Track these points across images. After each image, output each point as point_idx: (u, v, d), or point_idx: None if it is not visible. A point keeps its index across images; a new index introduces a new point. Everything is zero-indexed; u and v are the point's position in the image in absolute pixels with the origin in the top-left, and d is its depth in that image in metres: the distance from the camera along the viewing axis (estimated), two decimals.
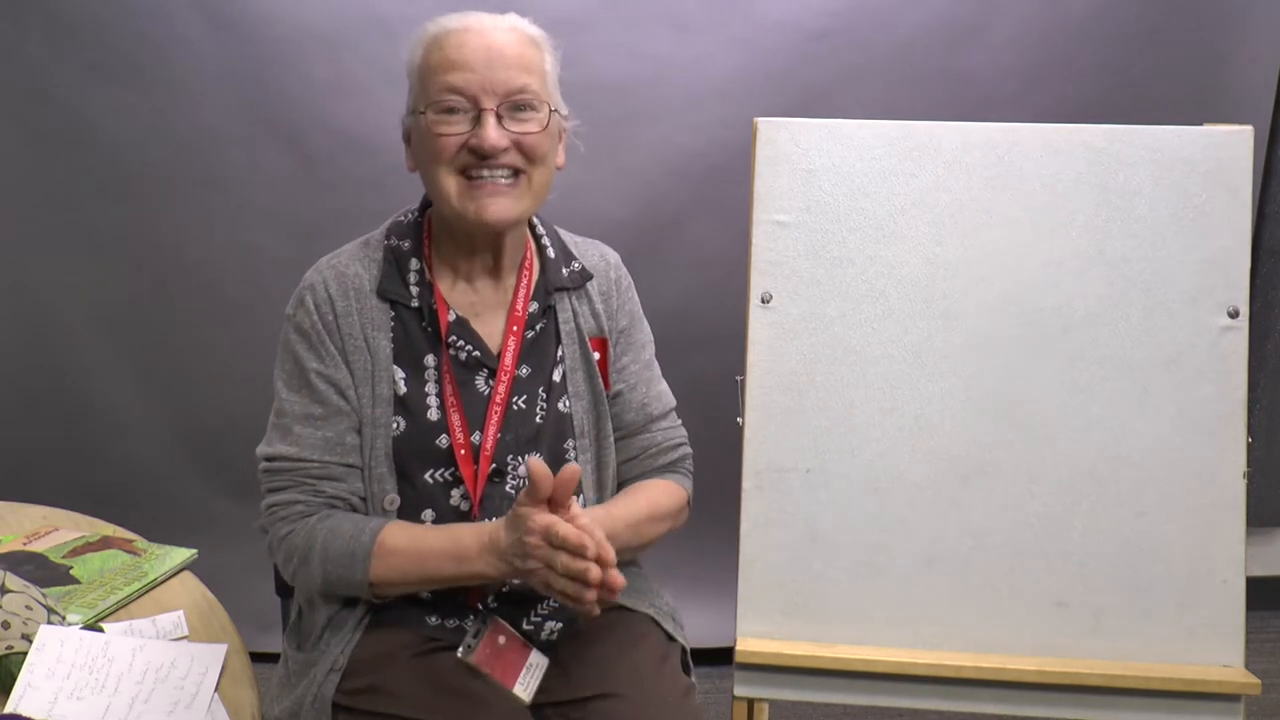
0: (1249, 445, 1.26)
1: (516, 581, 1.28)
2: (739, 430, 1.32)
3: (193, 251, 2.25)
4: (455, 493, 1.28)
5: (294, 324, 1.29)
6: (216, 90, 2.16)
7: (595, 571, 1.10)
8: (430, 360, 1.28)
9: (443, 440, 1.27)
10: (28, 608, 1.18)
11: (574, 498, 1.16)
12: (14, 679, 1.12)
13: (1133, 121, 1.29)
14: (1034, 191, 1.29)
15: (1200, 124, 1.28)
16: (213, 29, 2.13)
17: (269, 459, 1.28)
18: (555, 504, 1.14)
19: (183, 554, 1.45)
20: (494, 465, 1.28)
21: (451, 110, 1.21)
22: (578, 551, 1.10)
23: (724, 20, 2.18)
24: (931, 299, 1.30)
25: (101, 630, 1.23)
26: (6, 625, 1.15)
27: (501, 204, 1.23)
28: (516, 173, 1.24)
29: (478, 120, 1.21)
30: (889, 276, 1.30)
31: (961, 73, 2.21)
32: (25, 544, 1.44)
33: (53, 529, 1.50)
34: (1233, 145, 1.27)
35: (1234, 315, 1.27)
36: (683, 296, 2.27)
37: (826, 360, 1.30)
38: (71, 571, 1.37)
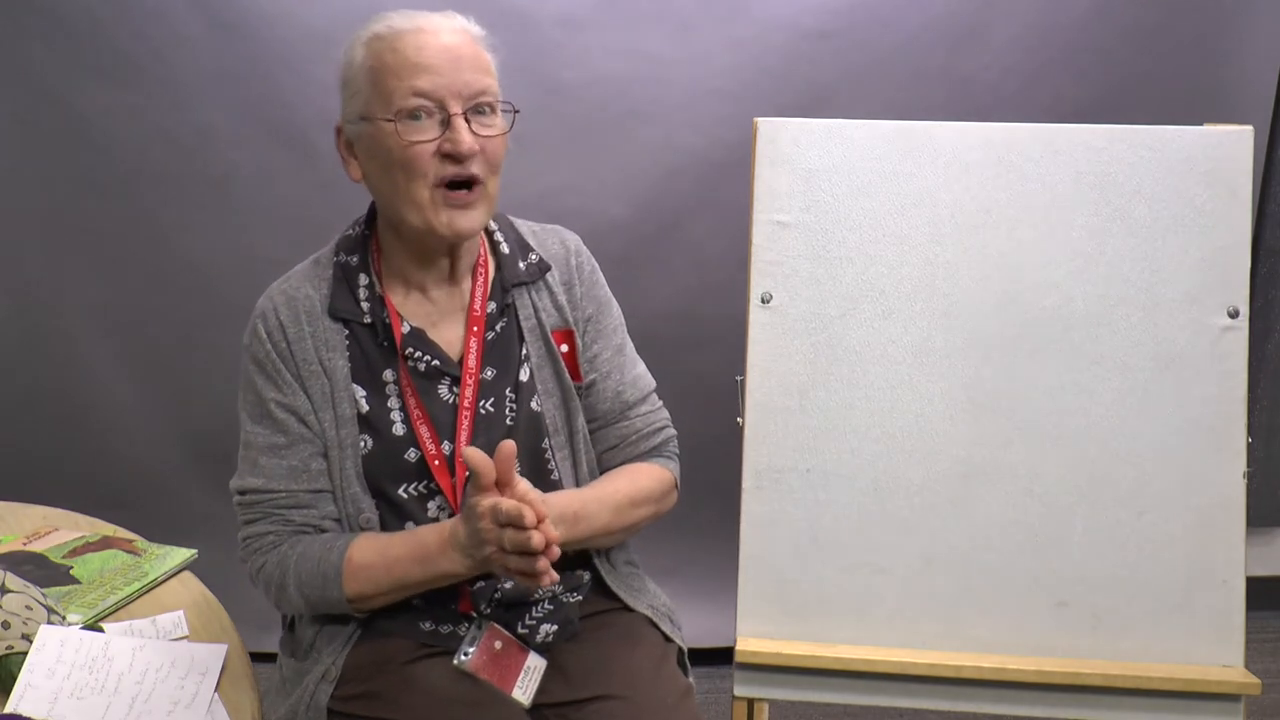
0: (1249, 445, 1.26)
1: (509, 585, 1.28)
2: (739, 430, 1.32)
3: (193, 251, 2.25)
4: (432, 505, 1.27)
5: (250, 355, 1.28)
6: (216, 90, 2.16)
7: (537, 538, 1.09)
8: (389, 375, 1.27)
9: (411, 454, 1.26)
10: (28, 608, 1.18)
11: (520, 476, 1.16)
12: (14, 679, 1.12)
13: (1133, 121, 1.29)
14: (1034, 191, 1.29)
15: (1200, 124, 1.28)
16: (213, 29, 2.13)
17: (240, 492, 1.28)
18: (502, 485, 1.14)
19: (183, 554, 1.45)
20: (468, 474, 1.27)
21: (418, 116, 1.18)
22: (516, 522, 1.09)
23: (724, 19, 2.18)
24: (931, 299, 1.30)
25: (101, 630, 1.23)
26: (6, 625, 1.15)
27: (472, 216, 1.22)
28: (474, 183, 1.21)
29: (446, 124, 1.18)
30: (889, 276, 1.30)
31: (962, 73, 2.21)
32: (25, 544, 1.44)
33: (53, 529, 1.50)
34: (1233, 145, 1.27)
35: (1234, 315, 1.27)
36: (683, 296, 2.27)
37: (826, 360, 1.30)
38: (71, 571, 1.37)
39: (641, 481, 1.35)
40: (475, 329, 1.28)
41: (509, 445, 1.13)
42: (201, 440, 2.35)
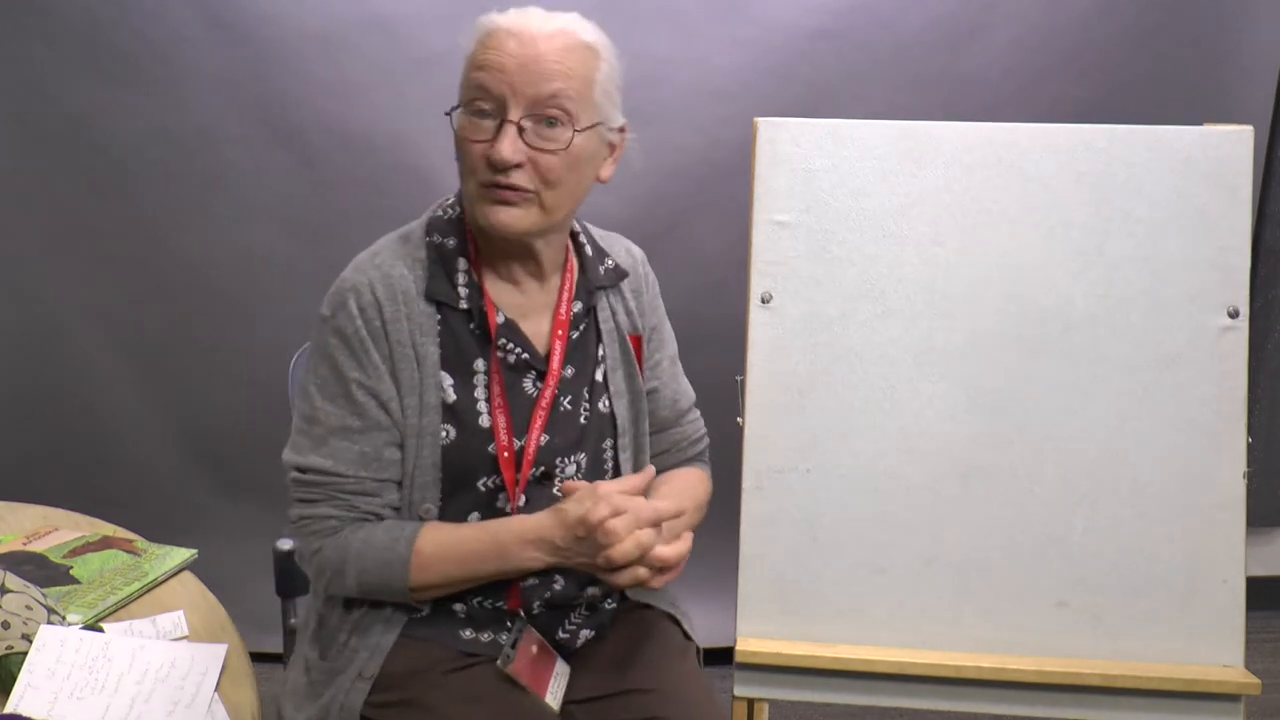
0: (1249, 445, 1.26)
1: (558, 586, 1.28)
2: (739, 430, 1.32)
3: (193, 252, 2.25)
4: (502, 497, 1.26)
5: (333, 327, 1.22)
6: (216, 90, 2.16)
7: (623, 547, 1.14)
8: (480, 364, 1.24)
9: (494, 447, 1.24)
10: (28, 608, 1.18)
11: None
12: (14, 679, 1.12)
13: (1133, 121, 1.29)
14: (1034, 191, 1.29)
15: (1200, 124, 1.28)
16: (212, 29, 2.13)
17: (301, 469, 1.22)
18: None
19: (183, 554, 1.45)
20: (542, 468, 1.26)
21: (480, 114, 1.17)
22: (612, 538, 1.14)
23: (724, 19, 2.18)
24: (931, 299, 1.30)
25: (101, 630, 1.23)
26: (6, 625, 1.15)
27: (511, 214, 1.18)
28: (527, 189, 1.18)
29: (501, 129, 1.16)
30: (889, 276, 1.30)
31: (962, 73, 2.21)
32: (25, 544, 1.44)
33: (53, 529, 1.50)
34: (1233, 145, 1.27)
35: (1234, 315, 1.27)
36: (683, 296, 2.25)
37: (826, 360, 1.30)
38: (71, 571, 1.37)
39: (701, 492, 1.41)
40: (560, 330, 1.28)
41: (650, 470, 1.26)
42: (201, 440, 2.35)
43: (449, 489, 1.24)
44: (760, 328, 1.31)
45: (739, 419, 1.32)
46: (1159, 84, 2.22)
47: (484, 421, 1.24)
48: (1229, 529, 1.26)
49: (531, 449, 1.25)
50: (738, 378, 1.32)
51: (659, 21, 2.17)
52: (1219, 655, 1.26)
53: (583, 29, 1.22)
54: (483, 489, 1.25)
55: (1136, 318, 1.28)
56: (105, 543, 1.46)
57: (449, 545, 1.21)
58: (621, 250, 1.41)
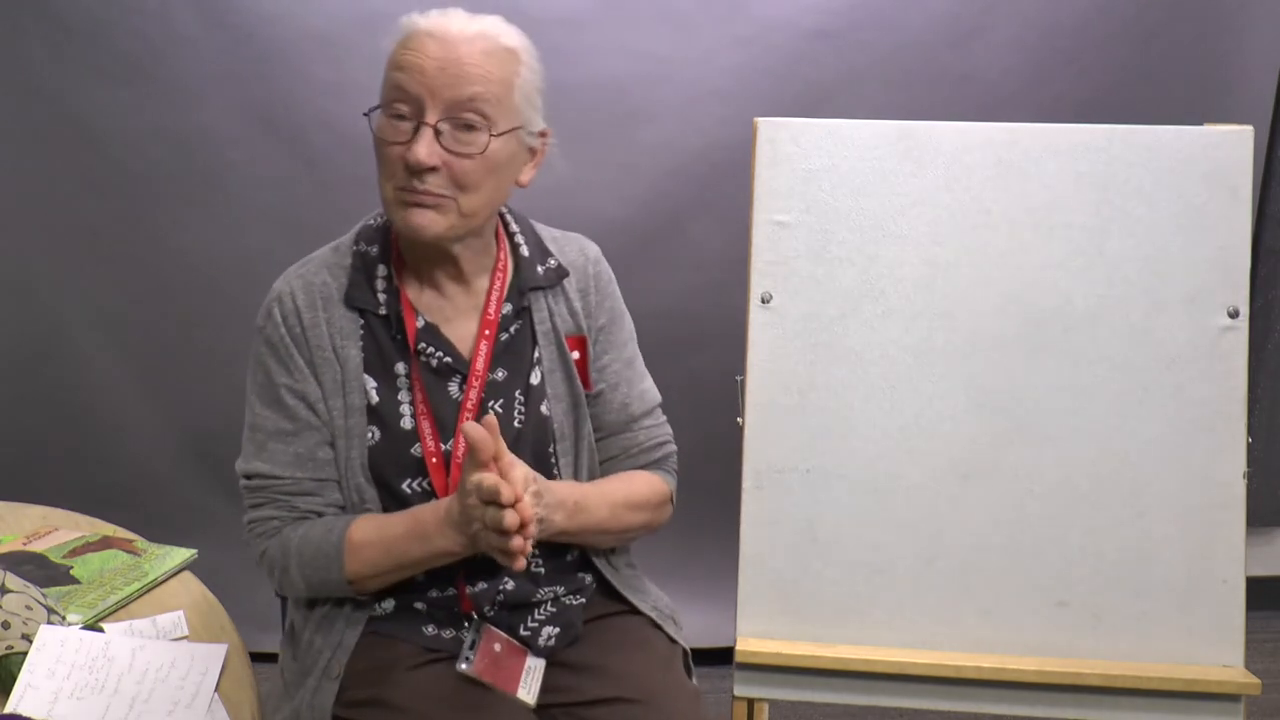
0: (1249, 445, 1.26)
1: (510, 587, 1.28)
2: (739, 430, 1.32)
3: (193, 251, 2.25)
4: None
5: (263, 336, 1.27)
6: (216, 90, 2.16)
7: (510, 517, 1.08)
8: (401, 368, 1.26)
9: (416, 449, 1.25)
10: (28, 608, 1.18)
11: (510, 453, 1.14)
12: (14, 679, 1.12)
13: (1133, 121, 1.29)
14: (1034, 191, 1.29)
15: (1200, 124, 1.28)
16: (213, 29, 2.13)
17: (247, 475, 1.28)
18: (494, 459, 1.12)
19: (183, 554, 1.45)
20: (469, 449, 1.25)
21: (399, 116, 1.17)
22: (493, 498, 1.08)
23: (724, 19, 2.18)
24: (931, 299, 1.30)
25: (101, 630, 1.23)
26: (6, 625, 1.15)
27: (428, 217, 1.19)
28: (443, 194, 1.19)
29: (418, 131, 1.16)
30: (889, 276, 1.30)
31: (962, 73, 2.21)
32: (25, 544, 1.44)
33: (53, 529, 1.50)
34: (1233, 145, 1.27)
35: (1234, 315, 1.27)
36: (683, 296, 2.27)
37: (826, 360, 1.30)
38: (71, 571, 1.37)
39: (638, 487, 1.35)
40: (487, 332, 1.28)
41: (490, 419, 1.12)
42: (201, 440, 2.35)
43: (382, 490, 1.26)
44: (760, 328, 1.31)
45: (739, 419, 1.32)
46: (1159, 84, 2.22)
47: (406, 424, 1.25)
48: (1229, 529, 1.26)
49: (460, 453, 1.25)
50: (738, 378, 1.32)
51: (659, 21, 2.17)
52: (1219, 655, 1.26)
53: (504, 33, 1.21)
54: (409, 491, 1.26)
55: (1136, 318, 1.28)
56: (105, 543, 1.46)
57: (377, 530, 1.22)
58: (574, 250, 1.37)
